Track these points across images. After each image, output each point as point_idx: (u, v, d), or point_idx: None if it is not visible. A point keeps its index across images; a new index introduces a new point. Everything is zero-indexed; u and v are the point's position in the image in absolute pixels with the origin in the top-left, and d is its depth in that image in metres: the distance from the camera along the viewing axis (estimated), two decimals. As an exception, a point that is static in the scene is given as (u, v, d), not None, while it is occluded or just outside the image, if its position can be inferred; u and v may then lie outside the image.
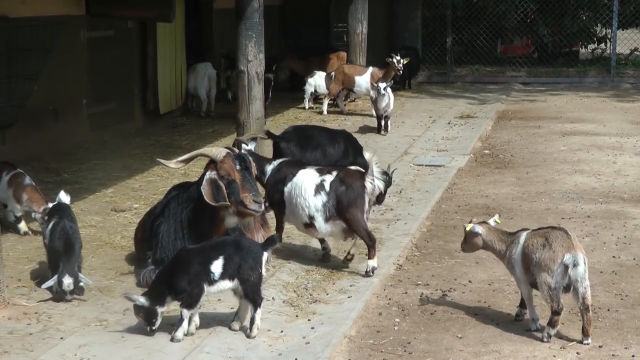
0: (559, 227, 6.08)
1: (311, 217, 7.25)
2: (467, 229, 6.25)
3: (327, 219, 7.20)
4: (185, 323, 5.74)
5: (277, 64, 16.52)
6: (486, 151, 12.76)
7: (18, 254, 7.50)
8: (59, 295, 6.36)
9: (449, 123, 15.09)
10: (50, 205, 7.22)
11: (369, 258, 7.17)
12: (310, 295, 6.78)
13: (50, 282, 6.37)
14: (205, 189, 6.40)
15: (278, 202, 7.46)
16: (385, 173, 9.37)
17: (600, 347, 5.82)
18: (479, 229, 6.23)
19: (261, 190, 7.26)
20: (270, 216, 7.65)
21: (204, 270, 5.70)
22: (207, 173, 6.49)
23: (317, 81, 16.12)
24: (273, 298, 6.57)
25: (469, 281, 7.18)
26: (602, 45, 23.42)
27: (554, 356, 5.70)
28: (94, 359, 5.48)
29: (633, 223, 8.84)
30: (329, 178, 7.23)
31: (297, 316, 6.32)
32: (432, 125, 14.86)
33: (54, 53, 10.89)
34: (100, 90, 12.72)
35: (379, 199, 9.43)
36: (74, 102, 12.19)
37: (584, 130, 14.37)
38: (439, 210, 9.44)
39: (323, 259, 7.61)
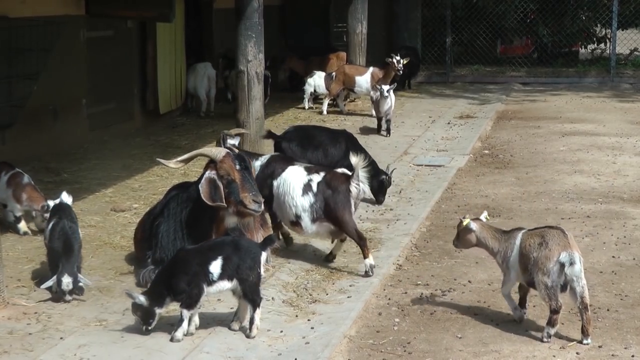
0: (555, 226, 6.09)
1: (298, 216, 7.32)
2: (464, 224, 6.26)
3: (313, 220, 7.28)
4: (185, 323, 5.73)
5: (271, 58, 16.38)
6: (486, 151, 12.76)
7: (18, 254, 7.50)
8: (58, 295, 6.36)
9: (448, 123, 15.09)
10: (50, 202, 7.23)
11: (365, 257, 7.19)
12: (310, 295, 6.78)
13: (50, 282, 6.37)
14: (203, 188, 6.40)
15: (267, 197, 7.45)
16: (384, 173, 9.46)
17: (600, 347, 5.82)
18: (474, 225, 6.25)
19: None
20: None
21: (203, 270, 5.70)
22: (207, 172, 6.49)
23: (316, 81, 16.12)
24: (273, 298, 6.57)
25: (469, 281, 7.18)
26: (602, 45, 23.42)
27: (554, 356, 5.70)
28: (94, 359, 5.48)
29: (633, 223, 8.85)
30: (316, 178, 7.30)
31: (296, 316, 6.32)
32: (431, 125, 14.87)
33: (53, 53, 10.89)
34: (100, 90, 12.72)
35: (379, 199, 9.50)
36: (74, 102, 12.19)
37: (583, 131, 14.37)
38: (438, 210, 9.45)
39: (326, 259, 7.61)
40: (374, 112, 14.36)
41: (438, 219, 9.10)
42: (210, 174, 6.47)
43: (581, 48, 23.89)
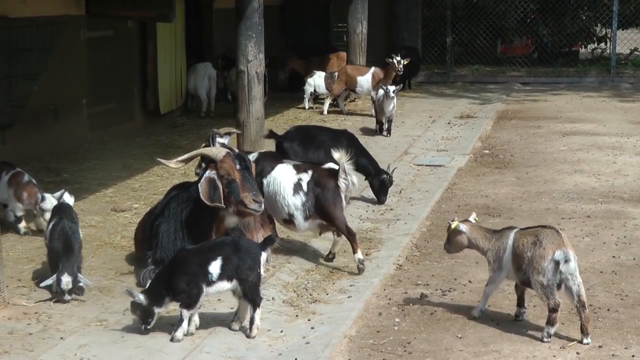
0: (548, 225, 6.09)
1: (291, 215, 7.46)
2: (452, 227, 6.26)
3: (306, 218, 7.43)
4: (185, 323, 5.74)
5: (270, 58, 16.31)
6: (486, 151, 12.76)
7: (18, 254, 7.50)
8: (58, 294, 6.36)
9: (448, 123, 15.09)
10: (46, 195, 7.33)
11: (354, 252, 7.32)
12: (310, 295, 6.78)
13: (49, 281, 6.38)
14: (202, 187, 6.40)
15: None
16: (385, 172, 9.47)
17: (600, 347, 5.81)
18: (463, 227, 6.24)
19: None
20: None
21: (202, 270, 5.70)
22: (207, 172, 6.49)
23: (316, 81, 16.12)
24: (273, 298, 6.57)
25: (469, 281, 7.18)
26: (602, 45, 23.43)
27: (554, 356, 5.70)
28: (94, 359, 5.48)
29: (633, 223, 8.84)
30: (305, 177, 7.43)
31: (297, 316, 6.32)
32: (432, 125, 14.87)
33: (54, 53, 10.89)
34: (100, 90, 12.72)
35: (381, 199, 9.52)
36: (74, 102, 12.19)
37: (584, 130, 14.37)
38: (438, 210, 9.45)
39: (326, 259, 7.64)
40: (373, 112, 14.35)
41: (438, 219, 9.10)
42: (210, 173, 6.47)
43: (581, 48, 23.90)
